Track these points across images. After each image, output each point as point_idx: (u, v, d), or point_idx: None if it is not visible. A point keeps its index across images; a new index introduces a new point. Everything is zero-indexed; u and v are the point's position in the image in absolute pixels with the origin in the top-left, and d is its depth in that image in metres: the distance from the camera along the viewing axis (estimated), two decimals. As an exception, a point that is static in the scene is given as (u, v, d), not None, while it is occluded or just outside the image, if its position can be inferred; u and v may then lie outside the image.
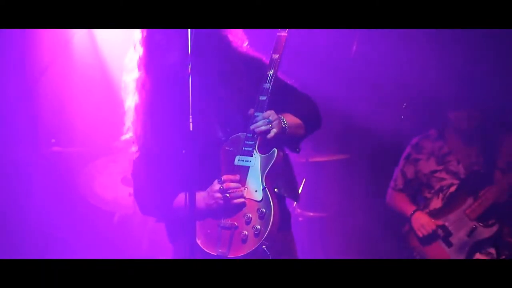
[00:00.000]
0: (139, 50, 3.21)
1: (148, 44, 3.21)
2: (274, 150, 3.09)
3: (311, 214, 5.48)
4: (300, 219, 5.28)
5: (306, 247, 5.12)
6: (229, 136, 3.17)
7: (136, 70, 3.21)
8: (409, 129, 5.29)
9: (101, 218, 5.44)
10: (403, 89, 5.51)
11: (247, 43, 3.29)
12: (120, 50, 3.34)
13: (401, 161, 4.91)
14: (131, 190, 4.87)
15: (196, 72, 2.88)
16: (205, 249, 3.07)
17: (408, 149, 4.91)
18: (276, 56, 3.12)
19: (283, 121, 3.13)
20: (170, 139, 3.14)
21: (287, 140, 3.22)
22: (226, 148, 3.15)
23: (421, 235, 4.63)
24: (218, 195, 3.05)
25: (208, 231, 3.11)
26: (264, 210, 3.05)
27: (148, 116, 3.18)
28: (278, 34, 3.15)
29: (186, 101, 2.85)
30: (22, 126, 5.39)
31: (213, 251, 3.06)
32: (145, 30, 3.20)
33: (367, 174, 5.84)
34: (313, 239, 5.56)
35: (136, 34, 3.21)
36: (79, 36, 5.56)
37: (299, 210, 5.28)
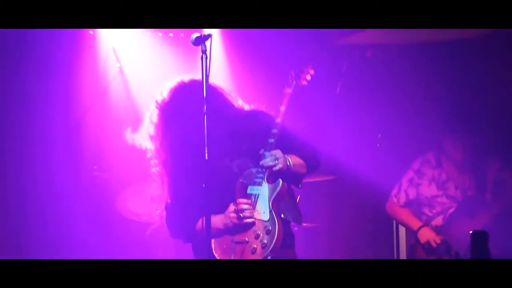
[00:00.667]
0: (155, 118, 3.55)
1: (163, 115, 3.54)
2: (280, 180, 3.47)
3: (305, 225, 5.66)
4: (296, 228, 4.97)
5: (301, 251, 5.08)
6: (240, 169, 3.54)
7: (156, 138, 3.56)
8: (383, 155, 5.85)
9: (134, 229, 5.94)
10: (381, 122, 6.07)
11: (248, 106, 3.68)
12: (151, 92, 3.71)
13: (405, 182, 5.12)
14: (158, 207, 5.54)
15: (210, 120, 3.25)
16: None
17: (410, 173, 5.12)
18: (282, 108, 3.53)
19: (288, 160, 3.48)
20: (193, 178, 3.47)
21: (291, 176, 3.54)
22: (241, 180, 3.51)
23: (428, 248, 4.84)
24: (233, 215, 3.43)
25: (224, 246, 3.47)
26: (270, 227, 3.41)
27: (171, 172, 3.55)
28: (284, 91, 3.59)
29: (202, 142, 3.22)
30: (68, 155, 6.02)
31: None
32: (158, 104, 3.55)
33: (351, 190, 6.30)
34: (307, 244, 5.83)
35: (151, 111, 3.56)
36: (115, 84, 6.12)
37: (294, 221, 5.60)
